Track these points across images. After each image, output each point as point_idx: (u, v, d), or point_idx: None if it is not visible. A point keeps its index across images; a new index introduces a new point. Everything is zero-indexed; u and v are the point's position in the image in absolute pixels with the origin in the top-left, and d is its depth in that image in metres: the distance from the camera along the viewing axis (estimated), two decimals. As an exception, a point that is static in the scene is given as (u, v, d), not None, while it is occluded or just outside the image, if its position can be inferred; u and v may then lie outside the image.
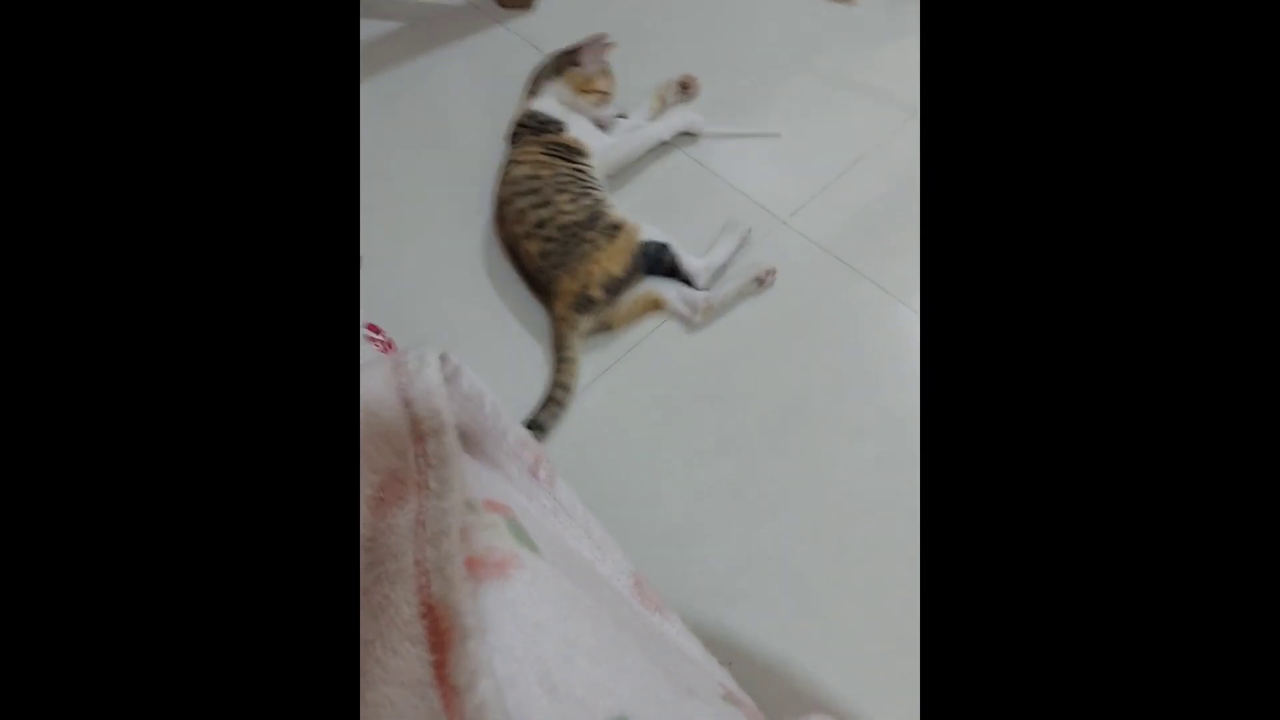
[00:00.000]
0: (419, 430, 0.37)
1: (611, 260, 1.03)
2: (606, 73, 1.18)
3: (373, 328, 0.57)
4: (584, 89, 1.16)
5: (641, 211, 1.17)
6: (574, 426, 1.01)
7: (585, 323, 1.04)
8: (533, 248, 1.05)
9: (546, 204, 1.07)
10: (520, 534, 0.38)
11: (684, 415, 1.01)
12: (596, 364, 1.05)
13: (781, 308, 1.07)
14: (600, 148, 1.15)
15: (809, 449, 0.96)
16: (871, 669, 0.83)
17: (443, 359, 0.41)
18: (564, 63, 1.18)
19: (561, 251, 1.04)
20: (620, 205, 1.16)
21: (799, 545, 0.90)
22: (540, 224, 1.05)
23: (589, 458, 0.99)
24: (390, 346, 0.58)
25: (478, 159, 1.25)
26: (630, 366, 1.05)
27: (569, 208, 1.06)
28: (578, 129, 1.15)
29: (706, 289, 1.06)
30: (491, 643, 0.32)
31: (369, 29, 1.43)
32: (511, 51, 1.37)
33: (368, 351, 0.50)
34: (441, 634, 0.32)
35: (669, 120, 1.21)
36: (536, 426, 0.98)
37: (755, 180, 1.19)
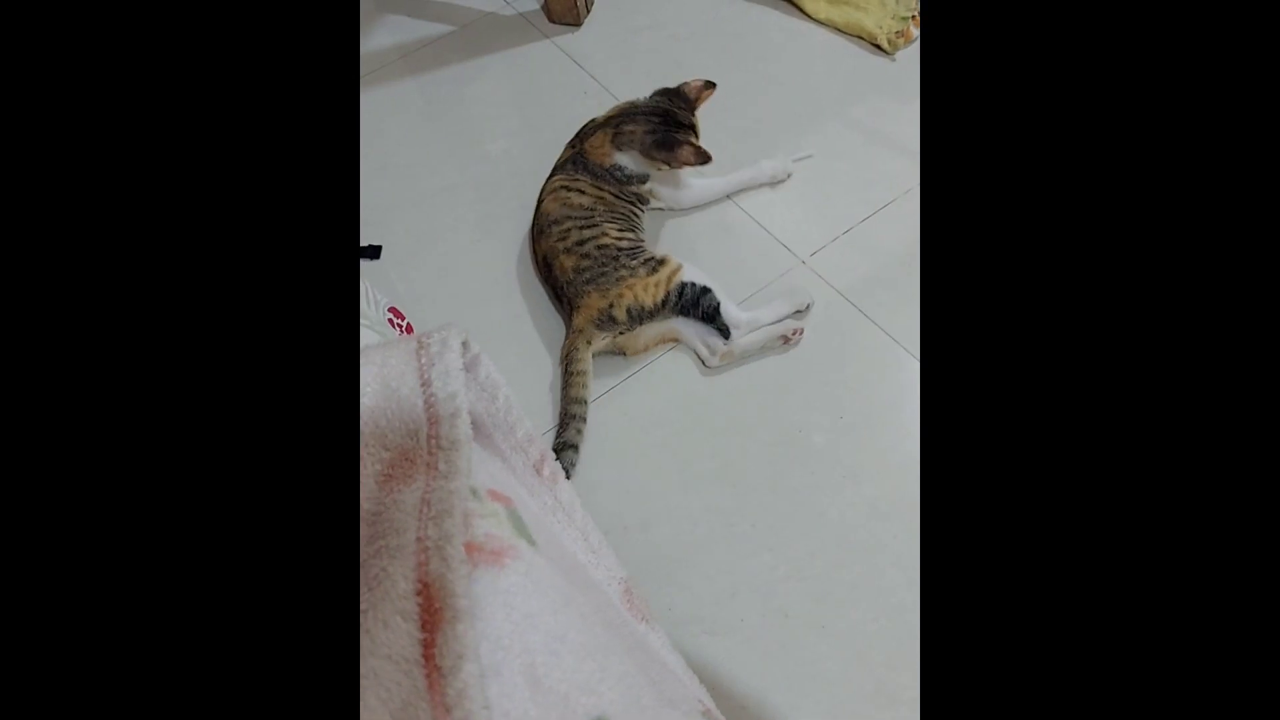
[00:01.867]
0: (434, 413, 0.38)
1: (645, 291, 1.03)
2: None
3: (395, 311, 0.58)
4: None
5: (660, 238, 1.19)
6: (574, 438, 1.02)
7: (601, 340, 1.05)
8: (569, 262, 1.06)
9: (594, 227, 1.07)
10: (520, 526, 0.38)
11: (685, 440, 1.01)
12: (605, 381, 1.06)
13: (793, 345, 1.08)
14: (674, 196, 1.18)
15: (805, 486, 0.96)
16: (848, 716, 0.82)
17: (464, 344, 0.41)
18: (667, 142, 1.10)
19: (597, 270, 1.04)
20: (646, 225, 1.17)
21: (786, 582, 0.90)
22: (581, 242, 1.06)
23: (586, 472, 0.99)
24: (410, 331, 0.59)
25: (508, 166, 1.27)
26: (638, 386, 1.06)
27: (615, 235, 1.07)
28: (657, 180, 1.15)
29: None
30: (480, 629, 0.32)
31: (420, 30, 1.46)
32: (554, 66, 1.39)
33: (389, 334, 0.50)
34: (434, 613, 0.32)
35: (758, 168, 1.22)
36: (569, 447, 0.97)
37: (778, 217, 1.20)
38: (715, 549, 0.93)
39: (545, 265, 1.10)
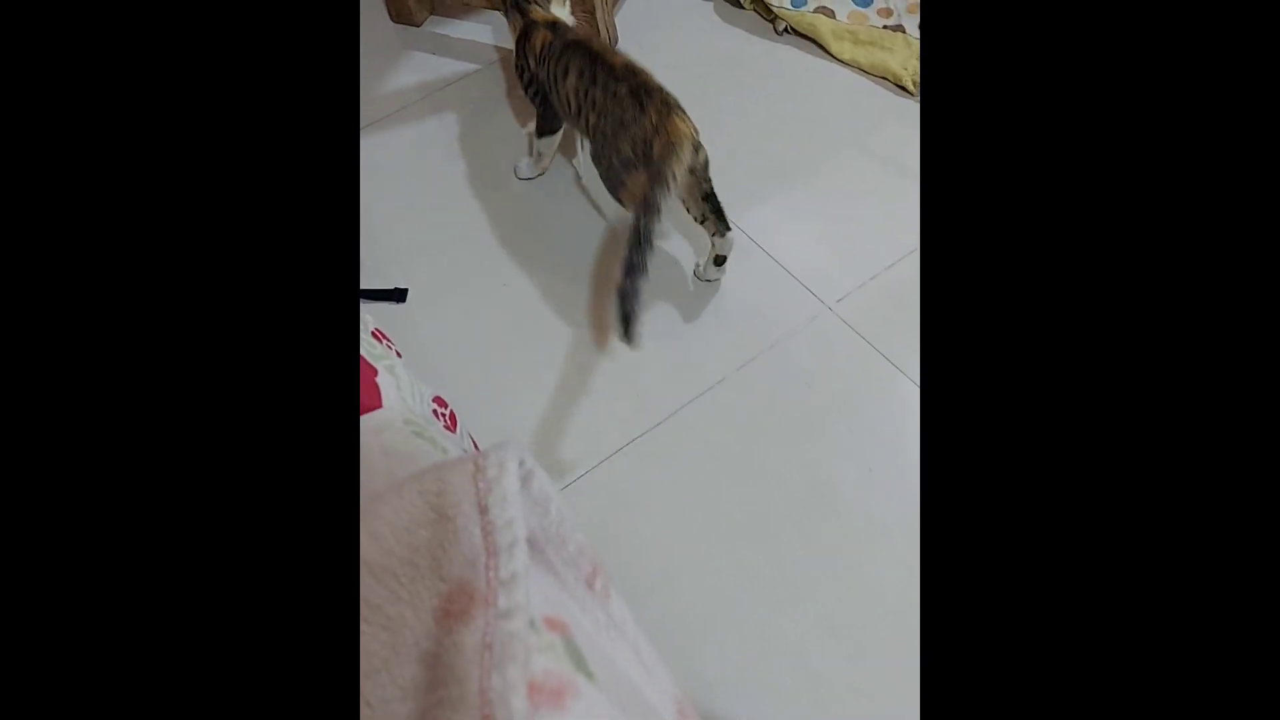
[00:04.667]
0: (491, 542, 0.37)
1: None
2: None
3: (439, 401, 0.58)
4: None
5: (687, 283, 1.18)
6: (598, 490, 1.01)
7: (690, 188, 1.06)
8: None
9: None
10: (577, 658, 0.38)
11: (714, 492, 1.00)
12: (629, 430, 1.06)
13: (821, 395, 1.07)
14: None
15: (836, 541, 0.96)
16: (881, 782, 0.81)
17: (520, 462, 0.41)
18: None
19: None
20: (670, 271, 1.17)
21: (817, 641, 0.89)
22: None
23: (610, 523, 0.99)
24: (454, 420, 0.59)
25: (531, 207, 1.27)
26: (664, 436, 1.05)
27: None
28: None
29: None
30: (544, 777, 0.32)
31: (444, 68, 1.46)
32: (577, 105, 1.39)
33: (434, 429, 0.50)
34: (499, 766, 0.31)
35: None
36: (638, 269, 0.96)
37: (803, 261, 1.20)
38: (745, 606, 0.92)
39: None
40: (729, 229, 1.11)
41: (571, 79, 1.13)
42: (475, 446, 0.57)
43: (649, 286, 1.17)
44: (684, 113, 1.06)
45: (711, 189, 1.09)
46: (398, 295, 1.20)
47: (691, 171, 1.05)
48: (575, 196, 1.29)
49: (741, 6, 1.46)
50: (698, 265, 1.18)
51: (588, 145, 1.16)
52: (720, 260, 1.15)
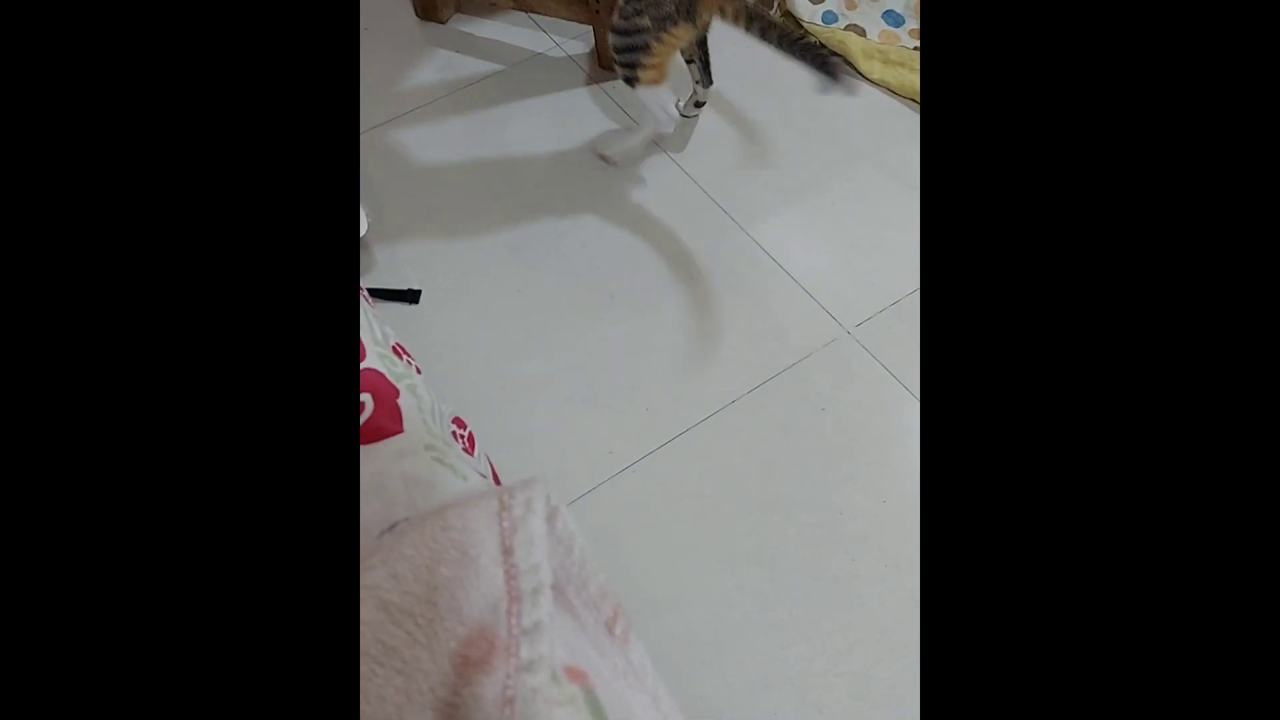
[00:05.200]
0: (515, 587, 0.36)
1: None
2: None
3: (458, 422, 0.56)
4: None
5: (704, 298, 1.17)
6: (604, 506, 1.00)
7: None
8: None
9: None
10: (598, 711, 0.36)
11: (721, 515, 0.99)
12: (639, 447, 1.04)
13: (836, 421, 1.05)
14: None
15: (846, 573, 0.94)
16: (881, 825, 0.80)
17: (545, 500, 0.39)
18: None
19: None
20: (687, 286, 1.16)
21: (824, 676, 0.88)
22: None
23: (615, 541, 0.97)
24: (472, 442, 0.57)
25: (548, 212, 1.25)
26: (673, 454, 1.04)
27: None
28: None
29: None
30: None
31: (468, 67, 1.44)
32: (599, 112, 1.37)
33: (452, 451, 0.49)
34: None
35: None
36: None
37: (823, 282, 1.18)
38: (749, 634, 0.91)
39: None
40: (711, 82, 1.26)
41: None
42: (493, 470, 0.56)
43: (668, 298, 1.16)
44: None
45: (706, 37, 1.19)
46: (411, 296, 1.18)
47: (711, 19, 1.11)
48: (594, 204, 1.27)
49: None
50: (679, 101, 1.27)
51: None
52: (699, 104, 1.29)
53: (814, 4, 1.39)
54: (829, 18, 1.41)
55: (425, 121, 1.37)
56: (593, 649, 0.41)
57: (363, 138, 1.34)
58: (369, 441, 0.44)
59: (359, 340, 0.50)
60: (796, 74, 1.41)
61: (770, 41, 1.07)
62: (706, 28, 1.12)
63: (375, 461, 0.43)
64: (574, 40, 1.45)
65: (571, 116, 1.37)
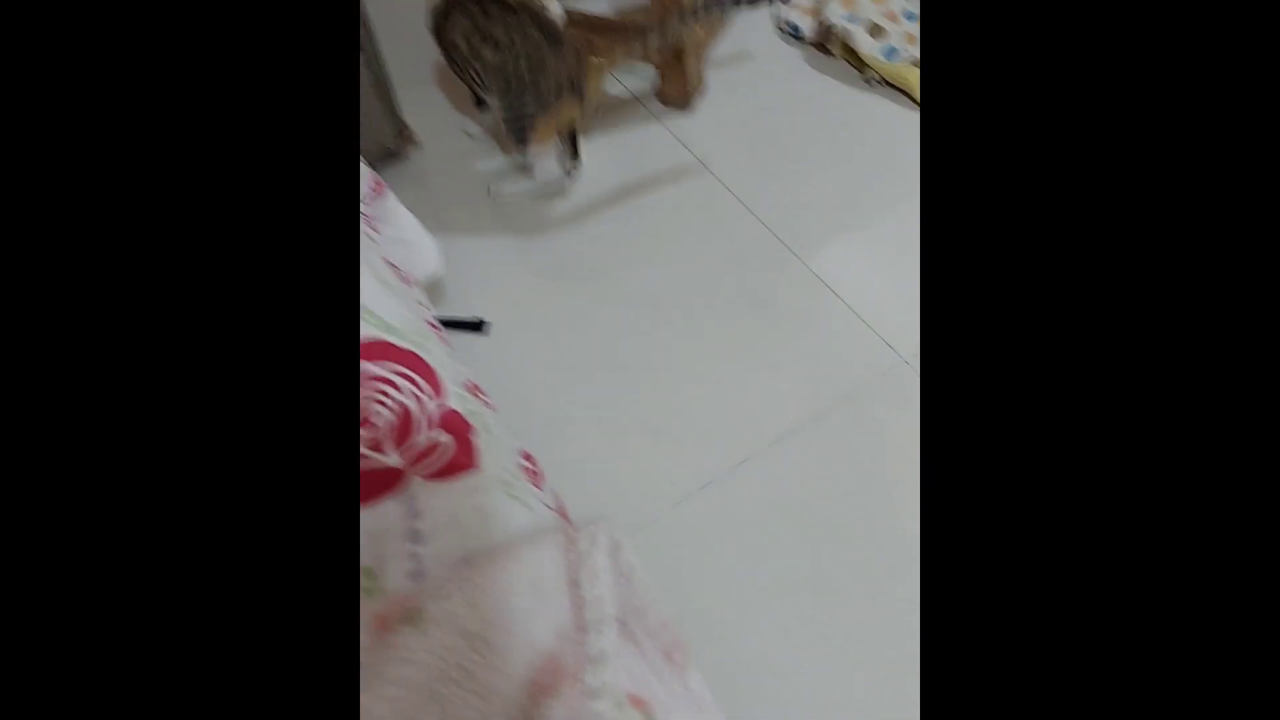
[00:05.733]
0: (581, 618, 0.39)
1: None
2: None
3: (527, 457, 0.60)
4: None
5: (761, 327, 1.18)
6: (663, 535, 1.02)
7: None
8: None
9: None
10: (659, 736, 0.38)
11: (781, 543, 1.00)
12: (698, 475, 1.06)
13: (897, 452, 1.06)
14: None
15: (909, 603, 0.94)
16: None
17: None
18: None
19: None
20: (744, 315, 1.18)
21: (884, 709, 0.88)
22: None
23: (674, 570, 0.99)
24: (539, 476, 0.61)
25: (609, 246, 1.29)
26: (732, 484, 1.05)
27: None
28: None
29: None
30: None
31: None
32: (661, 148, 1.41)
33: (521, 486, 0.52)
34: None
35: None
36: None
37: (880, 312, 1.19)
38: (806, 663, 0.92)
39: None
40: (577, 157, 1.31)
41: (453, 19, 1.21)
42: (560, 503, 0.59)
43: (727, 327, 1.18)
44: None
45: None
46: (478, 326, 1.24)
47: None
48: (655, 235, 1.31)
49: (831, 55, 1.46)
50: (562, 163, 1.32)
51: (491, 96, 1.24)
52: (573, 171, 1.33)
53: (875, 40, 1.41)
54: (890, 53, 1.43)
55: (493, 154, 1.43)
56: (653, 677, 0.44)
57: (433, 176, 1.40)
58: (446, 477, 0.48)
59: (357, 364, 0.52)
60: (858, 107, 1.43)
61: (672, 36, 1.14)
62: (596, 93, 1.20)
63: (452, 496, 0.47)
64: (638, 79, 1.50)
65: (633, 150, 1.42)
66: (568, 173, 1.33)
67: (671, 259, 1.28)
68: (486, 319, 1.23)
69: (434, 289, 1.27)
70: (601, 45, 1.45)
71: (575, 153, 1.32)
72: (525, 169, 1.31)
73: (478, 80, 1.24)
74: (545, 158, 1.28)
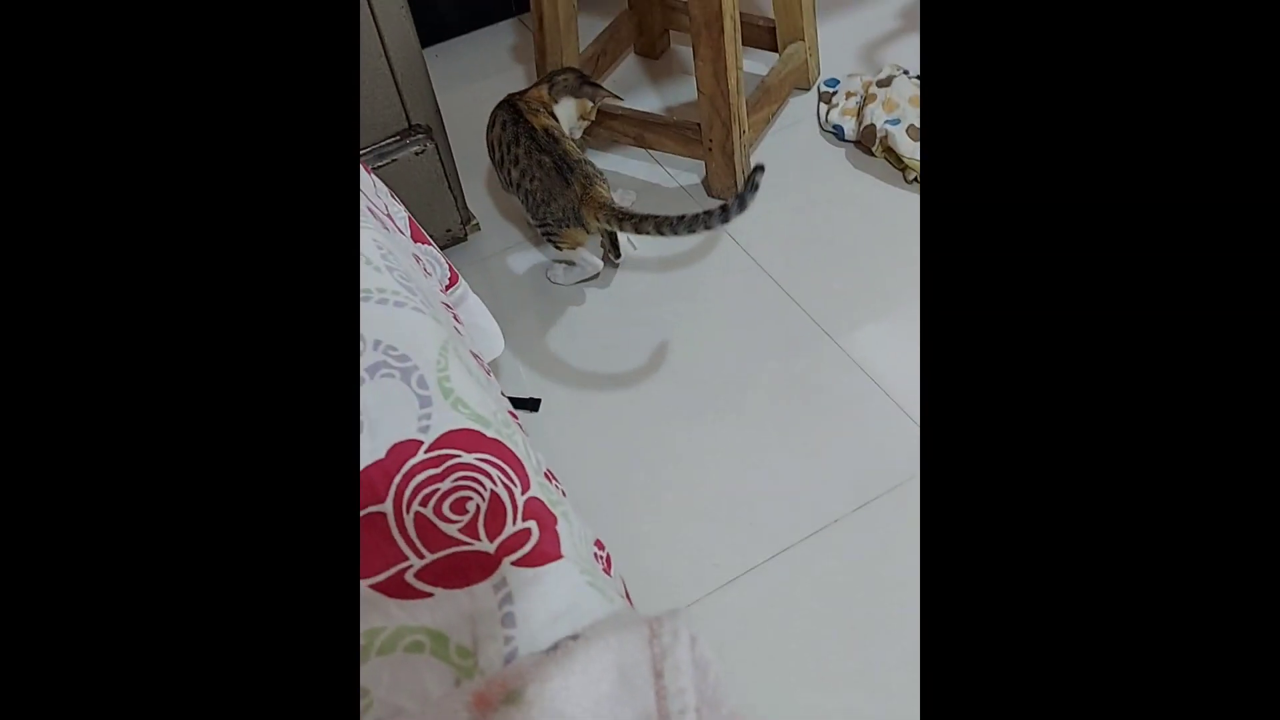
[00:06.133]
0: (664, 708, 0.41)
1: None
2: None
3: (599, 544, 0.63)
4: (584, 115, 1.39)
5: (804, 415, 1.22)
6: (713, 618, 1.03)
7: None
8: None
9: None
10: (735, 825, 0.41)
11: (827, 634, 1.01)
12: (742, 560, 1.08)
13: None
14: None
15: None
16: None
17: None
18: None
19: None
20: (788, 402, 1.22)
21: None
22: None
23: (723, 654, 1.00)
24: (609, 563, 0.64)
25: (658, 330, 1.34)
26: (776, 570, 1.07)
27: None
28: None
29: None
30: None
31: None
32: (708, 239, 1.47)
33: (595, 570, 0.55)
34: None
35: None
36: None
37: (895, 373, 1.22)
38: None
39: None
40: (619, 255, 1.41)
41: (496, 130, 1.31)
42: (625, 590, 0.62)
43: (771, 413, 1.22)
44: (603, 180, 1.28)
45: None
46: (532, 405, 1.28)
47: (608, 222, 1.25)
48: (701, 319, 1.36)
49: (873, 155, 1.53)
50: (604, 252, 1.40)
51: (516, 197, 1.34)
52: (616, 259, 1.41)
53: (915, 141, 1.48)
54: (928, 152, 1.49)
55: (547, 246, 1.50)
56: (726, 767, 0.46)
57: (491, 259, 1.48)
58: (534, 565, 0.52)
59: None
60: (897, 205, 1.49)
61: (649, 232, 1.21)
62: (600, 230, 1.27)
63: (540, 584, 0.50)
64: (686, 172, 1.57)
65: (683, 241, 1.48)
66: (609, 264, 1.41)
67: (716, 344, 1.33)
68: (539, 397, 1.28)
69: (490, 366, 1.33)
70: (651, 140, 1.53)
71: (615, 249, 1.40)
72: (566, 260, 1.38)
73: (507, 184, 1.34)
74: (584, 251, 1.35)
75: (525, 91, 1.36)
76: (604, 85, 1.43)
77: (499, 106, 1.34)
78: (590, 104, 1.39)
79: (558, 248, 1.33)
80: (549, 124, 1.30)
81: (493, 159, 1.36)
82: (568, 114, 1.37)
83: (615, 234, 1.37)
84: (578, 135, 1.40)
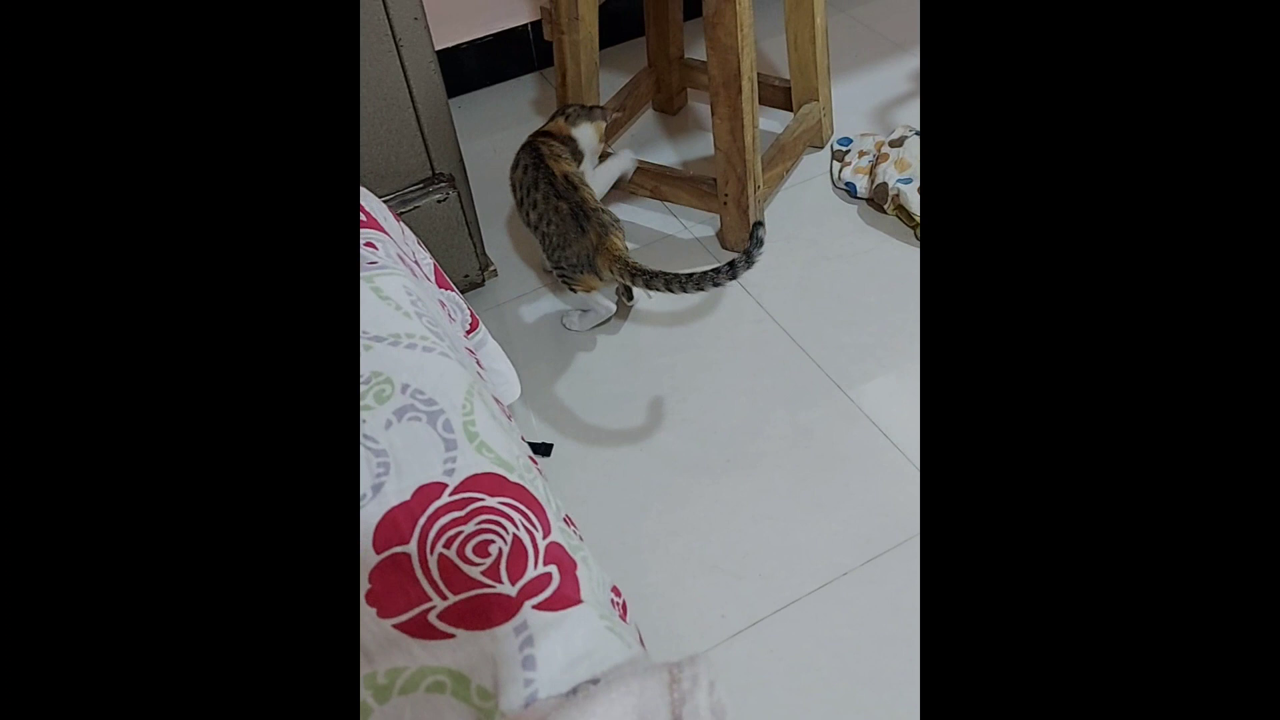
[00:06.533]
0: (685, 753, 0.42)
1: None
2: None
3: (615, 590, 0.64)
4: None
5: (814, 467, 1.22)
6: (719, 671, 1.03)
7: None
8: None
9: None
10: None
11: (834, 689, 1.01)
12: (750, 611, 1.08)
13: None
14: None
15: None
16: None
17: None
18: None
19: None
20: (798, 454, 1.23)
21: None
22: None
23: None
24: (625, 610, 0.65)
25: (671, 380, 1.36)
26: (784, 623, 1.07)
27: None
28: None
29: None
30: None
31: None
32: (722, 291, 1.50)
33: (615, 619, 0.56)
34: None
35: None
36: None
37: (905, 426, 1.23)
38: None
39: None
40: (632, 299, 1.45)
41: (519, 172, 1.36)
42: (640, 638, 0.63)
43: (781, 465, 1.22)
44: (619, 229, 1.30)
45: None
46: (544, 450, 1.30)
47: (620, 275, 1.28)
48: (713, 371, 1.38)
49: (884, 212, 1.57)
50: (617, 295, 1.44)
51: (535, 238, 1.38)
52: (630, 300, 1.46)
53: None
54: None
55: (562, 292, 1.53)
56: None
57: (507, 305, 1.51)
58: (555, 609, 0.53)
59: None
60: (907, 262, 1.52)
61: (659, 289, 1.24)
62: (611, 280, 1.30)
63: (561, 628, 0.51)
64: (701, 225, 1.61)
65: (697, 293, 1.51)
66: (623, 305, 1.44)
67: (727, 394, 1.34)
68: (551, 443, 1.30)
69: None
70: (667, 193, 1.57)
71: (629, 292, 1.44)
72: (581, 305, 1.41)
73: (527, 224, 1.38)
74: (598, 295, 1.38)
75: (546, 127, 1.42)
76: (619, 128, 1.51)
77: (523, 148, 1.38)
78: (603, 124, 1.46)
79: (572, 290, 1.36)
80: (569, 170, 1.33)
81: (514, 198, 1.40)
82: (589, 137, 1.42)
83: (630, 286, 1.40)
84: (593, 168, 1.47)
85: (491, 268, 1.49)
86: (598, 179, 1.46)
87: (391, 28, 1.17)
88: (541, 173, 1.32)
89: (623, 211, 1.67)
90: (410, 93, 1.24)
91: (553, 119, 1.44)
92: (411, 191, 1.32)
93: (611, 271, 1.27)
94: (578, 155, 1.41)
